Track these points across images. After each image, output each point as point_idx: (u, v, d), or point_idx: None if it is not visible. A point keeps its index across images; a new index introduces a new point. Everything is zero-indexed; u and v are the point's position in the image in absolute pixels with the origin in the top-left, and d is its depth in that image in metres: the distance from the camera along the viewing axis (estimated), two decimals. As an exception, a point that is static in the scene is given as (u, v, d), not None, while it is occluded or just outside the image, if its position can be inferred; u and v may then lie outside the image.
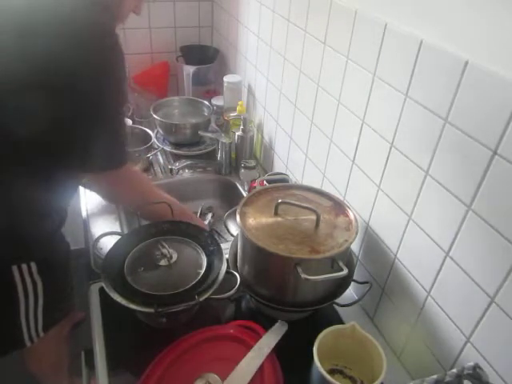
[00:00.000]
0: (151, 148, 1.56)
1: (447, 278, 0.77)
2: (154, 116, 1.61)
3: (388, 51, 0.84)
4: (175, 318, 0.92)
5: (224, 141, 1.48)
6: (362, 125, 0.95)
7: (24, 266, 0.96)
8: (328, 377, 0.75)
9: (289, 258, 0.83)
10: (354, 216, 0.93)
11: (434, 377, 0.69)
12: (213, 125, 1.76)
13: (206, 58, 1.89)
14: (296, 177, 1.35)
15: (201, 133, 1.59)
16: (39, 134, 0.80)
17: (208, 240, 0.99)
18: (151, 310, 0.82)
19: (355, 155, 1.00)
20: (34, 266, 0.98)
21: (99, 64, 0.81)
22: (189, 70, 1.84)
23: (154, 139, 1.58)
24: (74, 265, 1.29)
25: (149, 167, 1.54)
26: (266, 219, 0.92)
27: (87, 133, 0.85)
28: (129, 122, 1.72)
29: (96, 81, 0.81)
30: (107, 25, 0.84)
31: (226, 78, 1.63)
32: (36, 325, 1.07)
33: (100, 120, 0.85)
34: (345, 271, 0.82)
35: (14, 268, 0.94)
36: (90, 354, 0.94)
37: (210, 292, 0.87)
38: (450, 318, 0.78)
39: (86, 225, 1.25)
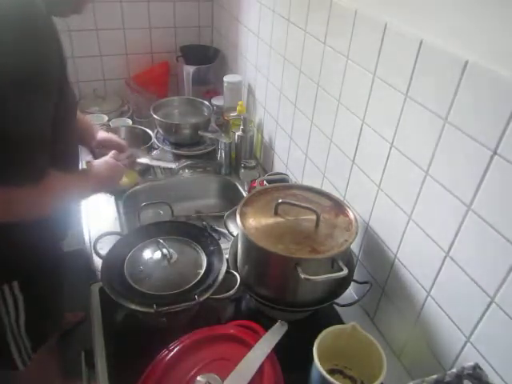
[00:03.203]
0: (151, 148, 1.56)
1: (447, 278, 0.77)
2: (154, 116, 1.61)
3: (388, 51, 0.84)
4: (175, 318, 0.92)
5: (224, 141, 1.48)
6: (361, 125, 0.95)
7: (5, 287, 0.96)
8: (328, 377, 0.75)
9: (289, 258, 0.83)
10: (354, 216, 0.93)
11: (434, 377, 0.69)
12: (213, 125, 1.76)
13: (206, 58, 1.89)
14: (296, 177, 1.35)
15: (201, 133, 1.59)
16: None
17: (208, 240, 0.99)
18: (151, 310, 0.82)
19: (355, 155, 1.00)
20: (15, 284, 0.97)
21: None
22: (189, 69, 1.84)
23: (153, 139, 1.58)
24: (74, 266, 1.29)
25: (149, 167, 1.54)
26: (266, 219, 0.92)
27: None
28: (129, 121, 1.72)
29: None
30: None
31: (226, 78, 1.63)
32: (24, 345, 1.07)
33: None
34: (345, 271, 0.82)
35: None
36: (90, 354, 0.94)
37: (210, 292, 0.87)
38: (450, 318, 0.78)
39: (86, 225, 1.25)
